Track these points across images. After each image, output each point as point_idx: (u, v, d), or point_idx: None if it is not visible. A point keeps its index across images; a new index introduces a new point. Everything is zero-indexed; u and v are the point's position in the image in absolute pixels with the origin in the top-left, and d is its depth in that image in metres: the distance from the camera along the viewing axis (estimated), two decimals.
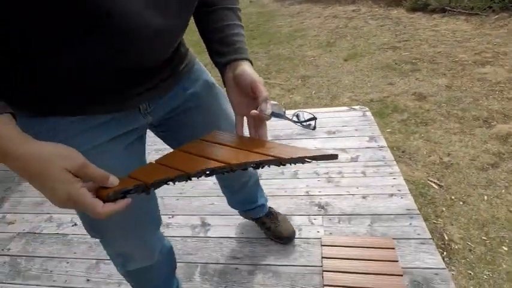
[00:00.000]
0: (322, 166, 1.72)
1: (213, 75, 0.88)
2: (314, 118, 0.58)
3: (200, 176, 0.53)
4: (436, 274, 1.15)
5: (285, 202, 1.49)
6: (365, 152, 1.80)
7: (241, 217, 1.46)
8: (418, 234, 1.29)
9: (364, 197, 1.50)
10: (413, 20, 4.83)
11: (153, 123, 0.80)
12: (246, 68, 0.65)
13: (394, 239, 1.28)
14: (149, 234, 0.87)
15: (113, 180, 0.49)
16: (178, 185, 1.72)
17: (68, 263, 1.39)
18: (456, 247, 1.49)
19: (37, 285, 1.31)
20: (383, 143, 1.86)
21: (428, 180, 1.89)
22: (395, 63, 3.55)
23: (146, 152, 0.81)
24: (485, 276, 1.35)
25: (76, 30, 0.48)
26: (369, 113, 2.16)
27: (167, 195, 1.65)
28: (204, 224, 1.48)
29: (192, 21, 0.68)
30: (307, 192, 1.58)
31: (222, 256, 1.32)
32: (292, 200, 1.54)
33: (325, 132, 2.01)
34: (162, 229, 0.95)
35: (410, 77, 3.20)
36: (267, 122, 0.65)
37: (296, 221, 1.42)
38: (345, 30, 4.90)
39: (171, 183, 0.52)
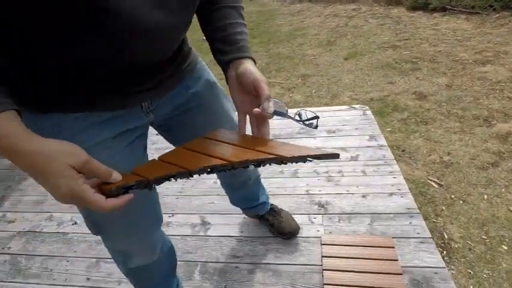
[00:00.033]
0: (322, 165, 1.72)
1: (215, 73, 0.88)
2: (316, 117, 0.58)
3: (202, 173, 0.53)
4: (436, 273, 1.15)
5: (285, 201, 1.49)
6: (365, 151, 1.80)
7: (241, 216, 1.46)
8: (418, 233, 1.29)
9: (364, 196, 1.50)
10: (413, 19, 4.82)
11: (156, 122, 0.80)
12: (248, 66, 0.65)
13: (393, 238, 1.28)
14: (150, 231, 0.87)
15: (116, 176, 0.50)
16: (178, 183, 1.72)
17: (68, 261, 1.39)
18: (456, 246, 1.49)
19: (37, 283, 1.31)
20: (383, 142, 1.86)
21: (428, 179, 1.89)
22: (396, 62, 3.55)
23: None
24: (485, 275, 1.36)
25: (76, 30, 0.48)
26: (369, 112, 2.16)
27: (167, 194, 1.65)
28: (204, 223, 1.48)
29: (194, 18, 0.68)
30: (307, 191, 1.58)
31: (222, 255, 1.32)
32: (293, 199, 1.54)
33: (325, 131, 2.01)
34: (162, 228, 0.95)
35: (411, 76, 3.20)
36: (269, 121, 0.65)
37: (296, 220, 1.42)
38: (345, 29, 4.89)
39: (172, 179, 0.52)
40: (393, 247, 1.23)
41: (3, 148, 0.45)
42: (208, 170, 0.54)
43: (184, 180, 1.76)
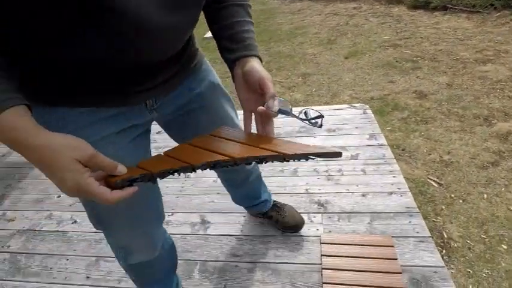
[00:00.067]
0: (321, 164, 1.72)
1: (218, 72, 0.88)
2: (321, 116, 0.58)
3: (205, 169, 0.54)
4: (435, 272, 1.15)
5: (285, 200, 1.49)
6: (365, 150, 1.80)
7: (241, 215, 1.46)
8: (418, 233, 1.29)
9: (363, 195, 1.50)
10: (414, 18, 4.81)
11: (159, 120, 0.81)
12: (254, 64, 0.65)
13: (393, 237, 1.28)
14: (152, 227, 0.88)
15: (121, 169, 0.51)
16: (179, 182, 1.72)
17: (67, 260, 1.39)
18: (455, 245, 1.49)
19: (37, 282, 1.31)
20: (383, 141, 1.86)
21: (428, 178, 1.89)
22: (396, 61, 3.54)
23: None
24: (484, 275, 1.36)
25: (76, 30, 0.48)
26: (369, 111, 2.16)
27: (167, 192, 1.65)
28: (204, 222, 1.48)
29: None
30: (306, 190, 1.58)
31: (221, 254, 1.33)
32: (292, 197, 1.54)
33: (325, 130, 2.01)
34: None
35: (411, 75, 3.19)
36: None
37: None
38: (345, 28, 4.88)
39: (176, 174, 0.53)
40: (393, 246, 1.24)
41: (13, 142, 0.46)
42: (211, 165, 0.55)
43: (184, 179, 1.77)
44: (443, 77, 3.04)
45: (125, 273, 1.26)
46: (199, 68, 0.81)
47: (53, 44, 0.50)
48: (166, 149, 0.61)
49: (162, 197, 0.91)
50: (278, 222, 1.35)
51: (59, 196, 1.77)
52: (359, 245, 1.26)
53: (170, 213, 1.54)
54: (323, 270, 1.18)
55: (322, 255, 1.24)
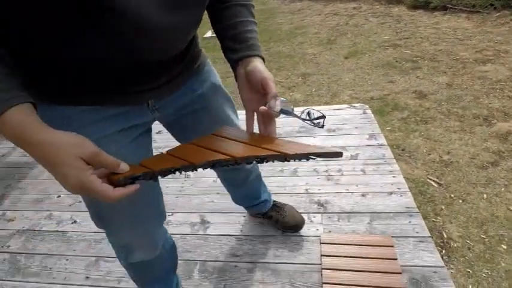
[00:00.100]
0: (321, 164, 1.72)
1: (220, 72, 0.88)
2: (323, 116, 0.59)
3: (206, 167, 0.55)
4: (435, 272, 1.15)
5: (285, 200, 1.49)
6: (365, 150, 1.80)
7: (241, 215, 1.46)
8: (417, 233, 1.29)
9: (363, 195, 1.50)
10: (414, 18, 4.81)
11: (161, 120, 0.82)
12: (257, 64, 0.66)
13: (393, 237, 1.28)
14: (153, 225, 0.89)
15: (124, 167, 0.52)
16: (178, 182, 1.72)
17: (67, 260, 1.39)
18: (455, 245, 1.49)
19: (36, 282, 1.31)
20: (383, 141, 1.86)
21: (428, 178, 1.89)
22: (396, 61, 3.54)
23: None
24: (484, 275, 1.36)
25: (76, 30, 0.49)
26: (369, 111, 2.16)
27: (167, 192, 1.65)
28: (204, 222, 1.48)
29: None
30: (306, 190, 1.58)
31: (221, 254, 1.33)
32: (292, 197, 1.54)
33: (325, 130, 2.01)
34: None
35: (411, 75, 3.20)
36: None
37: None
38: (345, 28, 4.88)
39: (177, 172, 0.54)
40: (392, 246, 1.24)
41: (19, 139, 0.47)
42: (212, 164, 0.55)
43: (184, 179, 1.77)
44: (443, 77, 3.04)
45: (124, 274, 1.27)
46: (202, 69, 0.81)
47: (53, 44, 0.50)
48: (166, 149, 0.62)
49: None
50: (278, 222, 1.35)
51: (58, 196, 1.77)
52: (359, 245, 1.26)
53: (170, 213, 1.54)
54: (323, 270, 1.18)
55: (322, 255, 1.24)
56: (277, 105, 0.62)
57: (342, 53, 4.01)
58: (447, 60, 3.35)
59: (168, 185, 1.69)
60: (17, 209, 1.73)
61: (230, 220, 1.47)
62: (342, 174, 1.65)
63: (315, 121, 0.66)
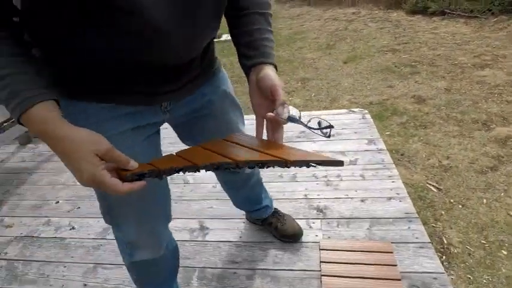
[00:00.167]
0: (320, 169, 1.72)
1: (231, 75, 0.90)
2: (331, 126, 0.59)
3: (208, 169, 0.57)
4: (435, 278, 1.14)
5: (284, 205, 1.48)
6: (364, 155, 1.80)
7: (240, 221, 1.46)
8: (417, 238, 1.28)
9: (362, 201, 1.50)
10: (412, 23, 4.84)
11: (170, 121, 0.84)
12: (269, 71, 0.67)
13: (392, 243, 1.27)
14: (159, 224, 0.89)
15: (133, 164, 0.55)
16: (178, 188, 1.72)
17: (65, 267, 1.38)
18: (455, 251, 1.48)
19: None
20: (382, 146, 1.86)
21: (427, 183, 1.89)
22: (395, 66, 3.56)
23: None
24: (484, 281, 1.35)
25: (76, 30, 0.51)
26: (368, 116, 2.16)
27: None
28: (203, 228, 1.47)
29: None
30: (305, 195, 1.57)
31: (220, 260, 1.32)
32: (291, 203, 1.53)
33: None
34: None
35: (410, 79, 3.21)
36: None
37: None
38: (344, 33, 4.91)
39: (181, 172, 0.56)
40: (392, 252, 1.23)
41: (42, 133, 0.52)
42: (214, 166, 0.57)
43: (183, 184, 1.76)
44: (442, 82, 3.05)
45: (122, 281, 1.26)
46: (217, 75, 0.84)
47: (53, 44, 0.53)
48: (165, 151, 0.63)
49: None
50: (277, 229, 1.34)
51: (57, 202, 1.76)
52: (358, 251, 1.25)
53: None
54: (322, 277, 1.17)
55: (321, 261, 1.23)
56: (285, 112, 0.63)
57: (341, 58, 4.03)
58: (446, 65, 3.36)
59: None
60: (15, 215, 1.72)
61: (229, 226, 1.46)
62: (341, 180, 1.65)
63: (324, 130, 0.66)
